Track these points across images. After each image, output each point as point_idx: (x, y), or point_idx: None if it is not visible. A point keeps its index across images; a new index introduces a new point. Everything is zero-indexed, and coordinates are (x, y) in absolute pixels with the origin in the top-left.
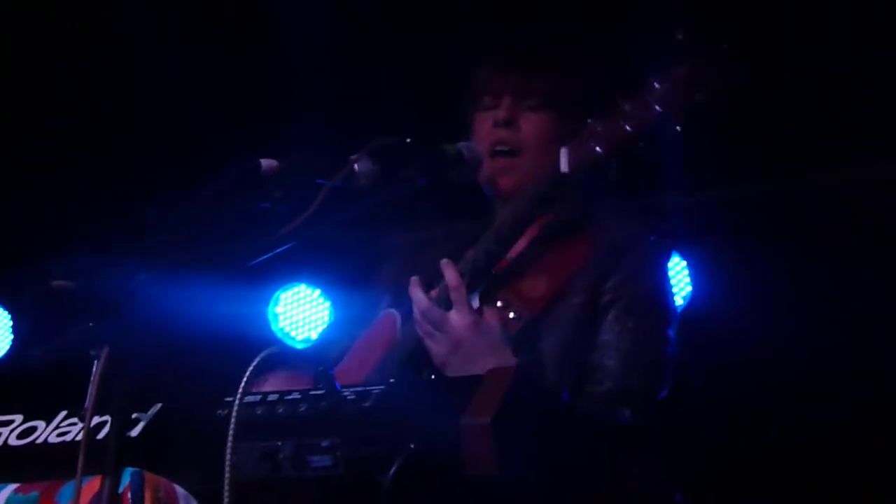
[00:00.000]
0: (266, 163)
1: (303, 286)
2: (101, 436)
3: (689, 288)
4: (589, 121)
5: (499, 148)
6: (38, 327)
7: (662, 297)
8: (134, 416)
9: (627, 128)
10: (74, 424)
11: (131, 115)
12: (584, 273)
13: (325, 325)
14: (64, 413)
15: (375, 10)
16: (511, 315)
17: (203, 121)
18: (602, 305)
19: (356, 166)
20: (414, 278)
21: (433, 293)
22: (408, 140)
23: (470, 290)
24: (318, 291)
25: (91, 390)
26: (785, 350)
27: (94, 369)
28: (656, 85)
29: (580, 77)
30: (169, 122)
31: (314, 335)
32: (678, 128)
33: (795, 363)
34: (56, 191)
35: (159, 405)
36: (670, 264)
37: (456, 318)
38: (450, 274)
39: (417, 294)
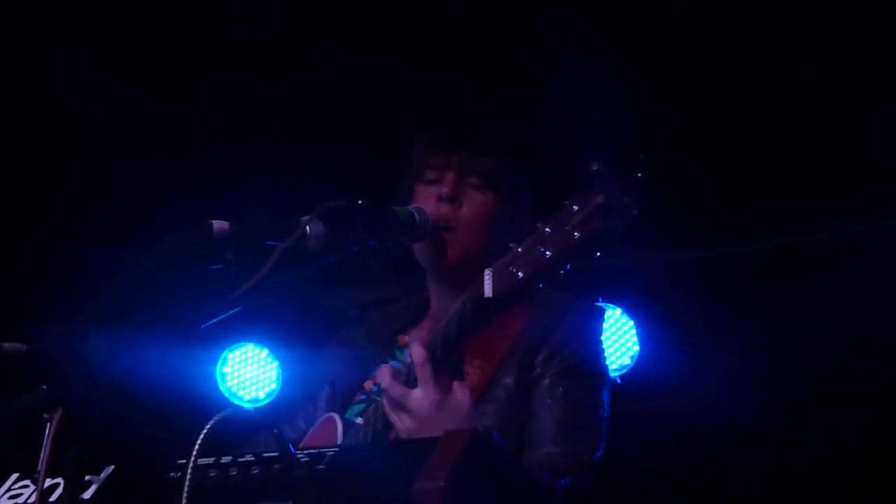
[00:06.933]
0: (217, 224)
1: (250, 346)
2: (53, 498)
3: (637, 347)
4: (511, 245)
5: (441, 224)
6: None
7: (593, 360)
8: (87, 478)
9: (547, 253)
10: (27, 487)
11: (77, 172)
12: (514, 352)
13: (273, 385)
14: (16, 476)
15: (327, 71)
16: None
17: (150, 181)
18: (533, 379)
19: (308, 228)
20: (386, 366)
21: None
22: (359, 202)
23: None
24: (265, 351)
25: (44, 453)
26: (731, 406)
27: (46, 432)
28: (574, 208)
29: (515, 159)
30: (115, 183)
31: (262, 395)
32: (598, 254)
33: (740, 420)
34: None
35: (112, 468)
36: (617, 325)
37: (420, 395)
38: (416, 351)
39: (383, 371)
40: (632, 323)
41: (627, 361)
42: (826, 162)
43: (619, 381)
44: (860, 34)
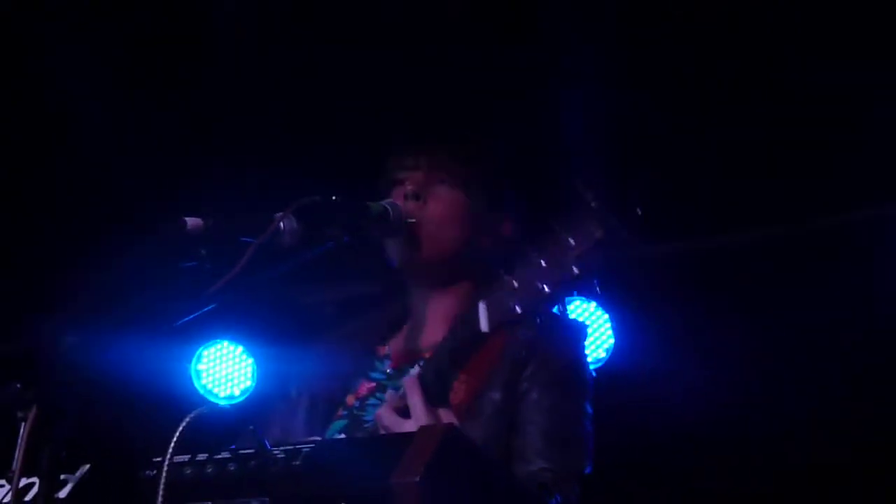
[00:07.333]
0: (191, 221)
1: (225, 343)
2: (28, 497)
3: (612, 340)
4: (505, 276)
5: (407, 220)
6: None
7: (577, 373)
8: (62, 477)
9: (546, 289)
10: (1, 486)
11: (56, 171)
12: (501, 367)
13: (248, 382)
14: None
15: (326, 71)
16: None
17: (128, 178)
18: (520, 393)
19: (282, 224)
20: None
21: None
22: (333, 198)
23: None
24: (240, 348)
25: (18, 452)
26: (705, 401)
27: (21, 431)
28: (572, 242)
29: (490, 160)
30: (94, 180)
31: (237, 392)
32: (597, 287)
33: (716, 414)
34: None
35: (87, 466)
36: (592, 318)
37: (410, 425)
38: (408, 382)
39: (381, 408)
40: (606, 316)
41: (602, 355)
42: (816, 161)
43: (594, 374)
44: (860, 34)
